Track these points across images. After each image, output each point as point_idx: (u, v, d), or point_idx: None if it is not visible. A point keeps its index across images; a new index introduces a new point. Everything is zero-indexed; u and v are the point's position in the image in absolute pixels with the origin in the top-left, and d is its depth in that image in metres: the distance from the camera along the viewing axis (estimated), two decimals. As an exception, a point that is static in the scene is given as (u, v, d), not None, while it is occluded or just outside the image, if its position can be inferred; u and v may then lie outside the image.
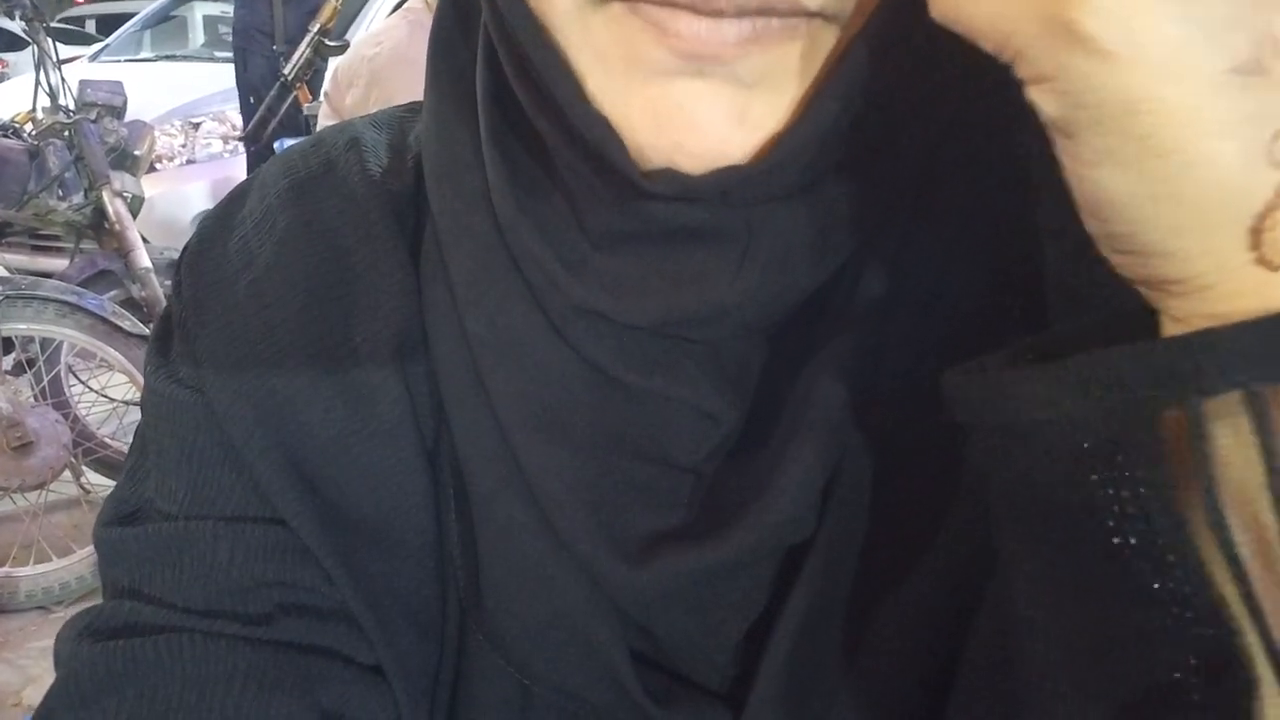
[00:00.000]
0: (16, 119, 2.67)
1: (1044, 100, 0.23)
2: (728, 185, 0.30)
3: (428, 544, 0.38)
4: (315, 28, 3.40)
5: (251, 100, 3.66)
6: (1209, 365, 0.22)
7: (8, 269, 2.40)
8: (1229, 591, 0.23)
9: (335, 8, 3.40)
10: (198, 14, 5.98)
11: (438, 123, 0.38)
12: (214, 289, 0.39)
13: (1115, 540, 0.24)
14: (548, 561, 0.36)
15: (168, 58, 5.13)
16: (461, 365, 0.36)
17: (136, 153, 2.57)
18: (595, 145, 0.31)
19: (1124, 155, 0.22)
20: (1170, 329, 0.24)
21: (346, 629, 0.38)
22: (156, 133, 3.01)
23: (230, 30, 4.05)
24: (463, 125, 0.37)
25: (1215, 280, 0.23)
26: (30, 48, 2.54)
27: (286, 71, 3.45)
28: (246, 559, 0.37)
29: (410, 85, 1.92)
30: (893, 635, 0.34)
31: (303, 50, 3.42)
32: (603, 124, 0.31)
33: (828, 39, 0.29)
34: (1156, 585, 0.23)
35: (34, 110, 2.54)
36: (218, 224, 0.41)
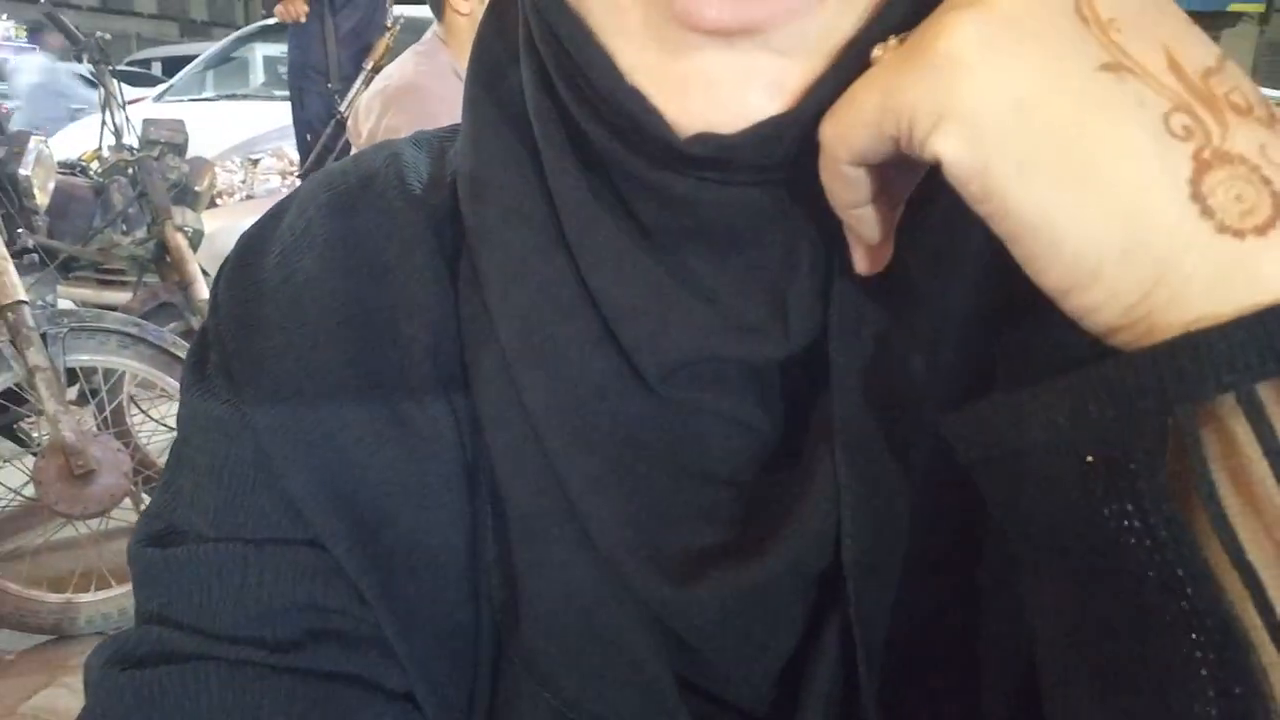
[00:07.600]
0: (83, 157, 2.76)
1: (951, 145, 0.24)
2: (769, 137, 0.30)
3: (463, 565, 0.37)
4: (369, 65, 3.49)
5: (308, 137, 3.75)
6: (1195, 371, 0.22)
7: (74, 302, 2.47)
8: (1239, 598, 0.22)
9: (388, 45, 3.48)
10: (258, 54, 6.16)
11: (474, 138, 0.38)
12: (252, 304, 0.39)
13: (1123, 557, 0.23)
14: (588, 583, 0.35)
15: (229, 97, 5.27)
16: (499, 380, 0.36)
17: (197, 188, 2.63)
18: (632, 118, 0.31)
19: (1038, 162, 0.23)
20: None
21: (378, 655, 0.37)
22: (217, 169, 3.10)
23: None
24: (498, 140, 0.37)
25: (1184, 264, 0.22)
26: (98, 90, 2.63)
27: (342, 108, 3.54)
28: (277, 582, 0.37)
29: (417, 110, 2.04)
30: (931, 655, 0.34)
31: (357, 87, 3.50)
32: (637, 96, 0.31)
33: None
34: (1166, 601, 0.23)
35: (100, 149, 2.63)
36: (256, 239, 0.41)
